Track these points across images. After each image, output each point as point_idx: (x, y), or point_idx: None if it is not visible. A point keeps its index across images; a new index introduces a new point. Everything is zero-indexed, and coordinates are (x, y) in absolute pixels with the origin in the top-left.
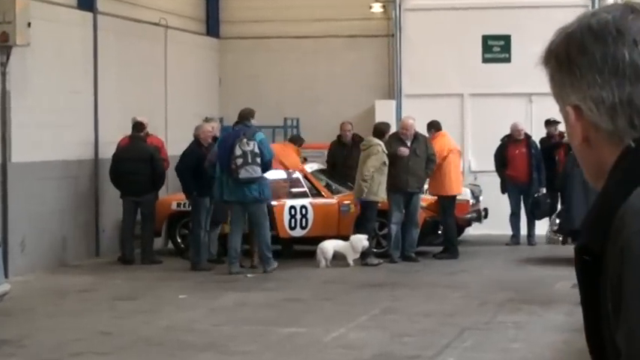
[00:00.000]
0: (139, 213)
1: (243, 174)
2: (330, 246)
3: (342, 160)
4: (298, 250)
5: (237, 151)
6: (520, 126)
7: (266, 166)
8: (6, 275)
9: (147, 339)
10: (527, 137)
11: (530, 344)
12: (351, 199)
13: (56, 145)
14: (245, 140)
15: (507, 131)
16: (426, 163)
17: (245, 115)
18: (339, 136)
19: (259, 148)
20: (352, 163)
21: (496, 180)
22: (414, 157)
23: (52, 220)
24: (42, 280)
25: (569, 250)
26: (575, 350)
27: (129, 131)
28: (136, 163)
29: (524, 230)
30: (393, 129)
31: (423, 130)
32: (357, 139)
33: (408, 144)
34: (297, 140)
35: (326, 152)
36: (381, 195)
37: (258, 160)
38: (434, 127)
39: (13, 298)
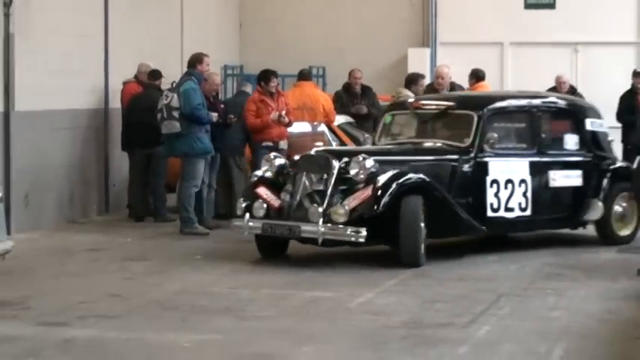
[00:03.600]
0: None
1: (163, 129)
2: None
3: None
4: None
5: (159, 105)
6: (564, 78)
7: (190, 119)
8: (8, 232)
9: (158, 302)
10: (573, 90)
11: (572, 313)
12: None
13: (63, 92)
14: (166, 93)
15: (551, 83)
16: None
17: (190, 62)
18: (347, 85)
19: (178, 101)
20: (370, 119)
21: None
22: None
23: (58, 173)
24: (47, 238)
25: None
26: (622, 320)
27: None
28: (149, 114)
29: None
30: (427, 80)
31: (458, 80)
32: (365, 89)
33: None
34: (307, 75)
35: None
36: None
37: (176, 114)
38: (476, 76)
39: (15, 256)
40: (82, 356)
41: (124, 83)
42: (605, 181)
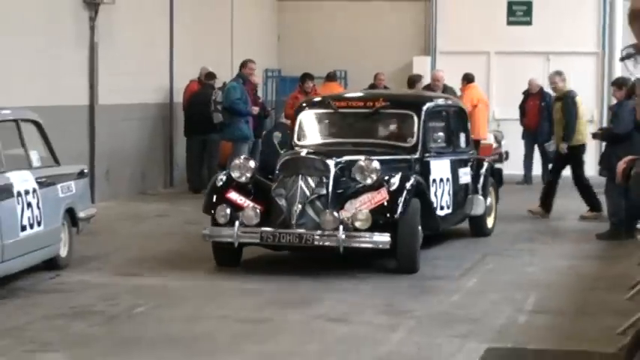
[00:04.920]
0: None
1: (214, 120)
2: None
3: None
4: None
5: (211, 100)
6: (535, 81)
7: (229, 111)
8: (93, 201)
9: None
10: (541, 91)
11: (542, 268)
12: None
13: (136, 90)
14: (216, 90)
15: (527, 85)
16: None
17: (240, 66)
18: (372, 85)
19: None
20: None
21: (517, 127)
22: None
23: (132, 154)
24: (123, 206)
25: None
26: (581, 275)
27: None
28: (205, 107)
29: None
30: (427, 81)
31: (454, 82)
32: (384, 87)
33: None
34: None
35: None
36: None
37: (220, 107)
38: (466, 79)
39: (98, 220)
40: (150, 298)
41: (191, 81)
42: (483, 178)
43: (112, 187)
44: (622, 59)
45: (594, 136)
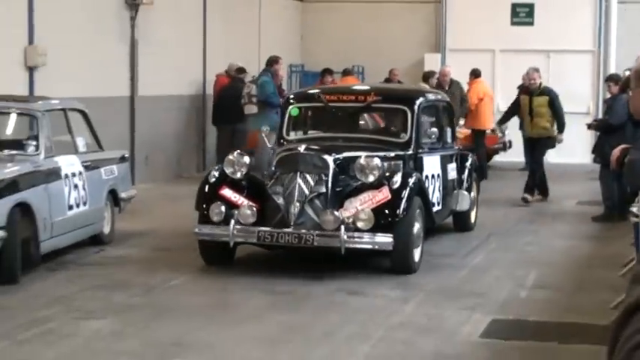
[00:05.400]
0: None
1: (245, 111)
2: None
3: None
4: None
5: (243, 93)
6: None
7: (264, 103)
8: (133, 183)
9: None
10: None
11: (541, 247)
12: None
13: (172, 83)
14: (247, 84)
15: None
16: (460, 102)
17: (267, 62)
18: (387, 79)
19: (257, 90)
20: None
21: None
22: (450, 98)
23: (169, 141)
24: (160, 188)
25: (574, 174)
26: (578, 254)
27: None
28: (234, 100)
29: None
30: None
31: (462, 77)
32: (398, 82)
33: (446, 88)
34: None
35: None
36: None
37: (254, 99)
38: (473, 74)
39: (138, 200)
40: (184, 272)
41: (217, 76)
42: (467, 173)
43: (151, 171)
44: None
45: (589, 126)
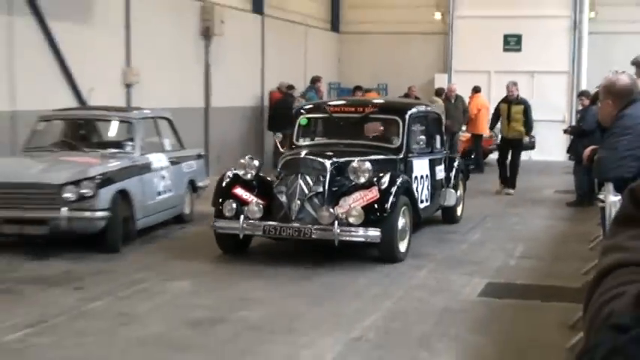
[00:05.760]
0: None
1: None
2: None
3: None
4: None
5: (293, 106)
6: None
7: None
8: (207, 174)
9: None
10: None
11: (527, 226)
12: None
13: (237, 97)
14: (298, 98)
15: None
16: (463, 112)
17: (312, 80)
18: (406, 94)
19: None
20: None
21: None
22: (455, 109)
23: (235, 143)
24: None
25: (552, 168)
26: (556, 232)
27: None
28: (286, 110)
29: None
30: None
31: (465, 92)
32: (416, 97)
33: (452, 101)
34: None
35: None
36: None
37: None
38: (474, 90)
39: (210, 189)
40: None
41: (271, 92)
42: (454, 173)
43: (221, 166)
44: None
45: (565, 131)
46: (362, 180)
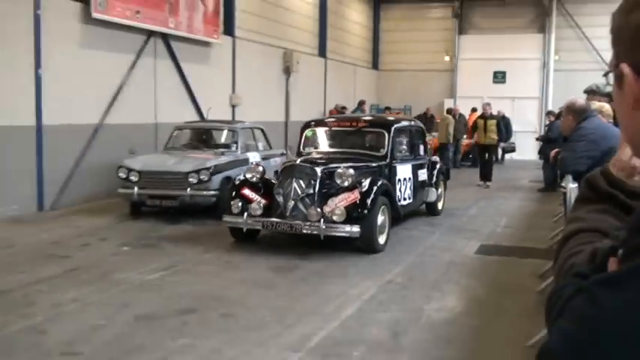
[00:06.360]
0: None
1: None
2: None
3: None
4: None
5: None
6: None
7: None
8: None
9: None
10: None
11: (509, 205)
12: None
13: (307, 114)
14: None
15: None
16: (464, 126)
17: (359, 102)
18: (424, 113)
19: None
20: (430, 127)
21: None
22: (459, 123)
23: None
24: None
25: (527, 165)
26: (528, 209)
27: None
28: None
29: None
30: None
31: (465, 111)
32: (431, 114)
33: (457, 117)
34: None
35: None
36: (449, 139)
37: None
38: (472, 110)
39: None
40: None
41: (330, 110)
42: (436, 175)
43: None
44: (604, 74)
45: (537, 139)
46: (346, 184)
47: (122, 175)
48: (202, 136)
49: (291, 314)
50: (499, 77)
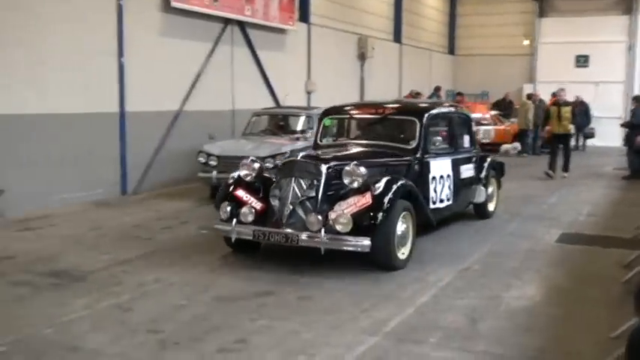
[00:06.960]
0: None
1: None
2: (505, 146)
3: (503, 109)
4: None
5: None
6: (560, 93)
7: None
8: None
9: None
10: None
11: (591, 193)
12: (512, 127)
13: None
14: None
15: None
16: (544, 111)
17: (435, 88)
18: (503, 99)
19: None
20: (509, 112)
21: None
22: (538, 108)
23: None
24: None
25: (611, 152)
26: (612, 197)
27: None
28: None
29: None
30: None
31: (545, 96)
32: (510, 100)
33: (537, 102)
34: (462, 93)
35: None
36: (529, 125)
37: None
38: (553, 95)
39: None
40: None
41: (405, 96)
42: (485, 171)
43: None
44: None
45: (621, 125)
46: (355, 184)
47: (202, 159)
48: (279, 122)
49: (367, 299)
50: (582, 61)
